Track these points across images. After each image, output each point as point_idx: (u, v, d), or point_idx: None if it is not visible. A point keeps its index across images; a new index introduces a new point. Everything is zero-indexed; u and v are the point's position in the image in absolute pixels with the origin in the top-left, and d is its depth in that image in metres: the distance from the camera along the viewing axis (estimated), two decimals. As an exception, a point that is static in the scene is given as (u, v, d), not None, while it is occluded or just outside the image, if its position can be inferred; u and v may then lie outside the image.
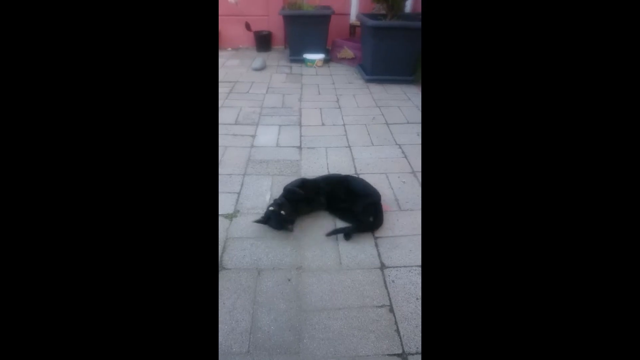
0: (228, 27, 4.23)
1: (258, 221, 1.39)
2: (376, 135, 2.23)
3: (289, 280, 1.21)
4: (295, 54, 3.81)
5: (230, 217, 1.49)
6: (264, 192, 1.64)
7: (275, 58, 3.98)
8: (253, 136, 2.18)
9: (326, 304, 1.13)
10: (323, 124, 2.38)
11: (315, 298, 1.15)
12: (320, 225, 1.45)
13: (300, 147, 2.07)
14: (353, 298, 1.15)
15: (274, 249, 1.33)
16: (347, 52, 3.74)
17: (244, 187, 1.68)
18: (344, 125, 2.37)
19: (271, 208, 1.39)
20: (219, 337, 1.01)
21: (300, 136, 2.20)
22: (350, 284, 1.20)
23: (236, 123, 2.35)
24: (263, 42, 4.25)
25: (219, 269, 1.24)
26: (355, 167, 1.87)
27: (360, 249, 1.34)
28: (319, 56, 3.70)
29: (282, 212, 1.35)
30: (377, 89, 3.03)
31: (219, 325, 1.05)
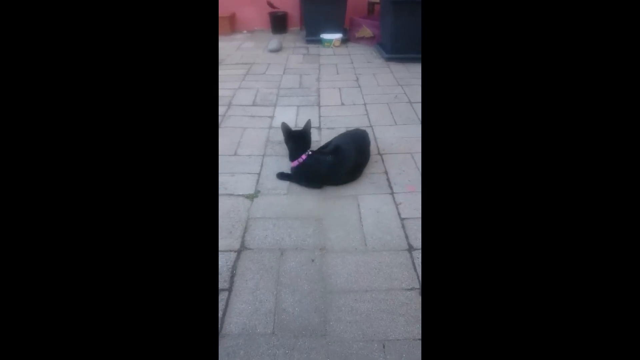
0: (243, 9, 4.13)
1: (283, 176, 1.52)
2: (399, 114, 2.12)
3: (313, 261, 1.16)
4: (311, 35, 3.68)
5: (251, 197, 1.45)
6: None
7: (292, 40, 3.86)
8: (271, 117, 2.12)
9: (352, 285, 1.08)
10: (342, 104, 2.29)
11: (341, 280, 1.10)
12: (342, 207, 1.39)
13: (319, 128, 1.99)
14: (380, 280, 1.09)
15: (296, 229, 1.28)
16: (366, 30, 3.57)
17: (264, 167, 1.63)
18: (364, 104, 2.27)
19: (309, 152, 1.47)
20: (243, 318, 0.99)
21: (319, 116, 2.13)
22: (376, 266, 1.14)
23: (254, 104, 2.29)
24: (278, 23, 4.13)
25: (242, 248, 1.21)
26: (378, 147, 1.78)
27: (386, 231, 1.27)
28: (336, 36, 3.56)
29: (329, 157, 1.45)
30: (398, 68, 2.89)
31: (243, 306, 1.02)
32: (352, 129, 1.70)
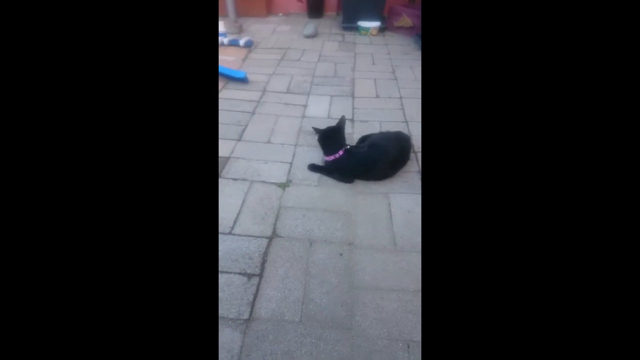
0: (280, -9, 4.07)
1: (314, 168, 1.55)
2: (436, 111, 2.05)
3: (341, 255, 1.18)
4: (348, 21, 3.58)
5: (283, 186, 1.48)
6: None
7: (328, 25, 3.79)
8: (304, 106, 2.12)
9: (379, 283, 1.09)
10: (377, 96, 2.24)
11: (368, 276, 1.11)
12: (372, 204, 1.39)
13: (352, 120, 1.97)
14: (408, 281, 1.09)
15: (326, 222, 1.30)
16: (406, 20, 3.43)
17: (296, 157, 1.65)
18: (400, 98, 2.21)
19: (347, 146, 1.48)
20: (273, 304, 1.03)
21: (353, 108, 2.10)
22: (405, 267, 1.14)
23: (288, 92, 2.29)
24: (315, 7, 4.04)
25: (273, 235, 1.24)
26: (412, 145, 1.74)
27: (417, 232, 1.26)
28: (374, 24, 3.45)
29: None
30: (437, 61, 2.77)
31: (272, 292, 1.06)
32: (394, 131, 1.67)
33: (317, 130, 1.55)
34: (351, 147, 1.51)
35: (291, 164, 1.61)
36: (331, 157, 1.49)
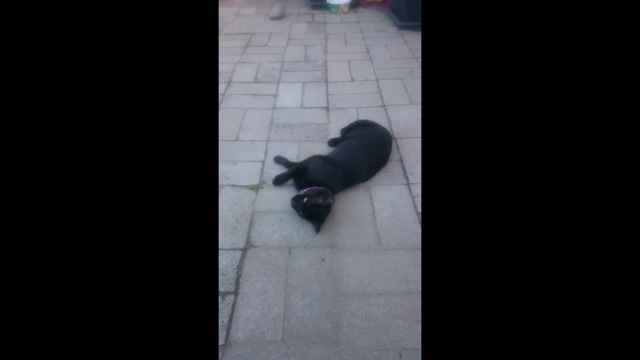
0: (241, -31, 3.76)
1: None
2: (415, 92, 1.95)
3: (323, 260, 1.09)
4: (317, -1, 3.37)
5: (256, 188, 1.36)
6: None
7: (295, 5, 3.55)
8: (275, 96, 1.97)
9: (366, 288, 1.01)
10: (352, 80, 2.12)
11: (353, 281, 1.03)
12: (353, 200, 1.30)
13: (327, 108, 1.85)
14: (396, 282, 1.02)
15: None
16: (377, -7, 3.26)
17: (269, 154, 1.52)
18: (376, 80, 2.09)
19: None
20: (251, 324, 0.93)
21: (327, 95, 1.97)
22: (391, 266, 1.06)
23: (255, 81, 2.13)
24: (280, -14, 3.78)
25: (247, 246, 1.13)
26: (392, 130, 1.65)
27: (402, 227, 1.18)
28: (344, 1, 3.25)
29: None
30: (413, 37, 2.65)
31: (250, 311, 0.96)
32: (374, 130, 1.48)
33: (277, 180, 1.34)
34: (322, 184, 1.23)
35: (264, 162, 1.49)
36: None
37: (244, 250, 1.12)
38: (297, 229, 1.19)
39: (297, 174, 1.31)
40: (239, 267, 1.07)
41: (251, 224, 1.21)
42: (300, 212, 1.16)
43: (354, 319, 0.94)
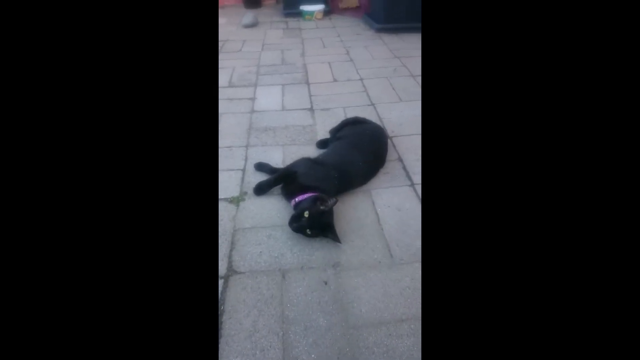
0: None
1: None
2: (403, 89, 1.83)
3: (326, 283, 0.88)
4: (290, 7, 3.28)
5: (236, 201, 1.14)
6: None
7: (268, 14, 3.44)
8: (252, 99, 1.78)
9: (382, 314, 0.81)
10: (335, 80, 1.97)
11: (366, 307, 0.83)
12: (354, 207, 1.11)
13: (311, 109, 1.68)
14: (418, 304, 0.83)
15: (300, 240, 0.99)
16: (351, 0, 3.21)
17: (250, 161, 1.31)
18: (360, 80, 1.96)
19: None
20: (240, 379, 0.70)
21: (310, 96, 1.80)
22: (409, 284, 0.87)
23: (230, 85, 1.93)
24: (251, -4, 3.68)
25: (229, 273, 0.91)
26: (385, 128, 1.50)
27: (414, 235, 1.00)
28: (318, 7, 3.18)
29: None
30: (391, 39, 2.58)
31: (238, 359, 0.73)
32: (367, 127, 1.33)
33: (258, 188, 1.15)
34: (317, 191, 1.03)
35: (244, 170, 1.27)
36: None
37: (226, 278, 0.89)
38: (290, 247, 0.98)
39: (284, 179, 1.11)
40: (221, 301, 0.84)
41: (233, 245, 0.98)
42: (308, 231, 0.94)
43: (373, 356, 0.73)
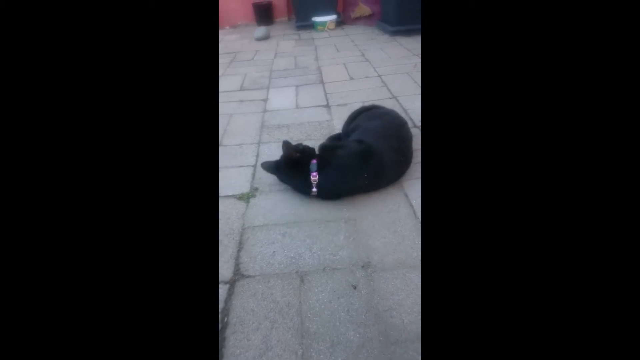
0: (223, 1, 3.74)
1: (270, 168, 1.01)
2: (425, 82, 1.69)
3: (355, 287, 0.70)
4: (302, 20, 3.29)
5: (245, 197, 0.99)
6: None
7: (280, 29, 3.47)
8: (264, 100, 1.68)
9: (432, 326, 0.62)
10: (351, 78, 1.86)
11: (409, 317, 0.64)
12: (383, 200, 0.94)
13: (327, 106, 1.56)
14: (478, 312, 0.63)
15: (320, 238, 0.83)
16: (363, 8, 3.19)
17: (261, 158, 1.18)
18: (379, 76, 1.84)
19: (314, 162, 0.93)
20: (246, 415, 0.52)
21: (326, 94, 1.69)
22: (463, 287, 0.68)
23: (241, 89, 1.86)
24: (263, 14, 3.74)
25: (236, 277, 0.75)
26: (411, 119, 1.35)
27: (461, 227, 0.82)
28: (330, 18, 3.17)
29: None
30: (407, 41, 2.48)
31: (244, 387, 0.55)
32: (381, 111, 1.15)
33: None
34: (325, 153, 0.96)
35: (255, 166, 1.14)
36: (314, 189, 0.93)
37: (232, 283, 0.73)
38: (309, 245, 0.81)
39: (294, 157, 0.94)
40: (225, 310, 0.67)
41: (241, 245, 0.83)
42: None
43: (425, 384, 0.54)
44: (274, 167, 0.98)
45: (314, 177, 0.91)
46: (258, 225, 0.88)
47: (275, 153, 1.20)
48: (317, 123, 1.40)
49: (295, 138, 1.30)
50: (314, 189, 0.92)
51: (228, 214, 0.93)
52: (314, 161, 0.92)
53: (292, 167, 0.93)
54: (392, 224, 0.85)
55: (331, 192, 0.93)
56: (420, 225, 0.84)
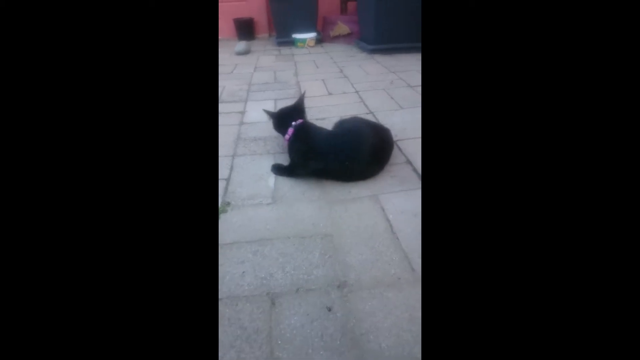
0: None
1: (281, 171, 1.11)
2: (402, 98, 1.72)
3: (330, 309, 0.66)
4: (282, 36, 3.33)
5: (218, 212, 0.94)
6: (265, 176, 1.10)
7: (261, 44, 3.50)
8: (242, 112, 1.65)
9: (412, 349, 0.58)
10: (330, 94, 1.87)
11: (387, 340, 0.60)
12: (359, 214, 0.91)
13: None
14: (458, 332, 0.60)
15: (293, 256, 0.78)
16: (342, 27, 3.27)
17: (235, 171, 1.13)
18: (356, 92, 1.86)
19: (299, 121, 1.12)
20: None
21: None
22: (442, 306, 0.65)
23: (219, 102, 1.81)
24: (245, 30, 3.76)
25: (200, 301, 0.68)
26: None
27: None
28: (310, 35, 3.23)
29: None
30: (385, 59, 2.55)
31: None
32: (369, 122, 1.23)
33: (270, 114, 1.21)
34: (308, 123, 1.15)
35: (228, 180, 1.09)
36: (285, 140, 1.12)
37: (195, 307, 0.67)
38: (282, 265, 0.76)
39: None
40: (185, 341, 0.60)
41: (208, 264, 0.77)
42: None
43: (404, 416, 0.50)
44: (274, 116, 1.19)
45: (289, 133, 1.10)
46: (228, 244, 0.83)
47: (252, 166, 1.16)
48: (294, 136, 1.38)
49: (272, 150, 1.27)
50: (287, 136, 1.10)
51: (196, 231, 0.87)
52: (300, 121, 1.11)
53: (282, 117, 1.16)
54: (369, 239, 0.82)
55: (297, 151, 1.06)
56: (397, 240, 0.81)
